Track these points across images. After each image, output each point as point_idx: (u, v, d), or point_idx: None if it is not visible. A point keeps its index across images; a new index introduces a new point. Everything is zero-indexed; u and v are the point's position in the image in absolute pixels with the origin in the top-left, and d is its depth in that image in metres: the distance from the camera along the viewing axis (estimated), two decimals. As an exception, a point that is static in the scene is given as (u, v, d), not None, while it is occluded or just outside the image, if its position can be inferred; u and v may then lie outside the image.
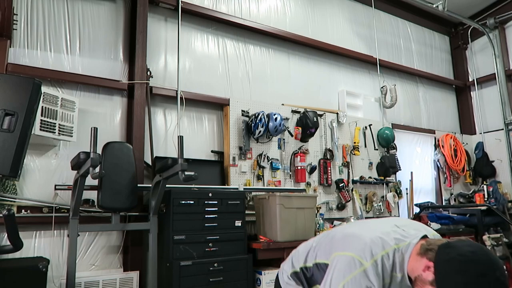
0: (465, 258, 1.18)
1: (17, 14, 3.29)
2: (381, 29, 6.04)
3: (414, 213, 5.31)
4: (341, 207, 4.84)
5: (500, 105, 6.31)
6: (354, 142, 5.15)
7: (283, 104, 4.67)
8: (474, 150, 6.60)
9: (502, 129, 6.30)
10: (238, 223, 3.49)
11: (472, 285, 1.15)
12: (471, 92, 6.96)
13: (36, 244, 3.19)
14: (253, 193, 4.10)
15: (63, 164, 3.36)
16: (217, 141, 4.27)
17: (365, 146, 5.30)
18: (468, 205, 5.85)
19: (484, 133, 6.62)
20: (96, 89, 3.67)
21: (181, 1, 4.12)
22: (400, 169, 5.43)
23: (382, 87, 5.68)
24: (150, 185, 3.38)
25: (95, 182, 3.13)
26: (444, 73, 6.90)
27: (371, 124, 5.37)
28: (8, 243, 2.36)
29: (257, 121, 4.17)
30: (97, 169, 2.64)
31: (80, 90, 3.59)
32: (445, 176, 6.17)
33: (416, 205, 5.55)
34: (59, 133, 3.16)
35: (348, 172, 5.06)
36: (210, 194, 3.41)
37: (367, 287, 1.28)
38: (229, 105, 4.26)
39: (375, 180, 5.22)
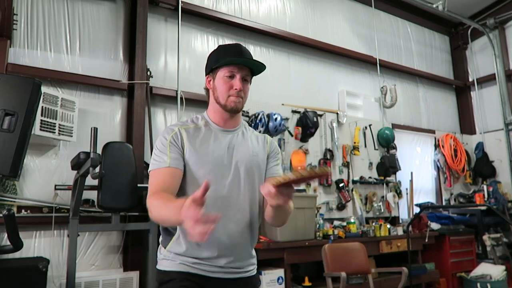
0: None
1: (17, 14, 3.29)
2: (381, 29, 6.04)
3: (414, 213, 5.31)
4: (341, 207, 4.84)
5: (500, 105, 6.31)
6: (354, 142, 5.14)
7: (283, 104, 4.67)
8: (474, 150, 6.59)
9: (502, 129, 6.30)
10: (238, 223, 3.48)
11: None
12: (471, 92, 6.95)
13: (36, 244, 3.19)
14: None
15: (63, 164, 3.36)
16: (217, 141, 4.26)
17: (365, 146, 5.29)
18: (468, 205, 5.86)
19: (484, 133, 6.61)
20: (96, 89, 3.67)
21: (181, 1, 4.12)
22: (400, 169, 5.43)
23: (382, 87, 5.68)
24: (150, 185, 3.38)
25: (95, 182, 3.12)
26: (444, 73, 6.90)
27: (371, 124, 5.37)
28: (8, 243, 2.36)
29: (257, 121, 4.17)
30: (97, 169, 2.65)
31: (80, 90, 3.59)
32: (445, 176, 6.17)
33: (416, 205, 5.55)
34: (59, 133, 3.16)
35: (348, 172, 5.06)
36: (210, 194, 3.40)
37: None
38: (229, 105, 4.25)
39: (375, 180, 5.22)
